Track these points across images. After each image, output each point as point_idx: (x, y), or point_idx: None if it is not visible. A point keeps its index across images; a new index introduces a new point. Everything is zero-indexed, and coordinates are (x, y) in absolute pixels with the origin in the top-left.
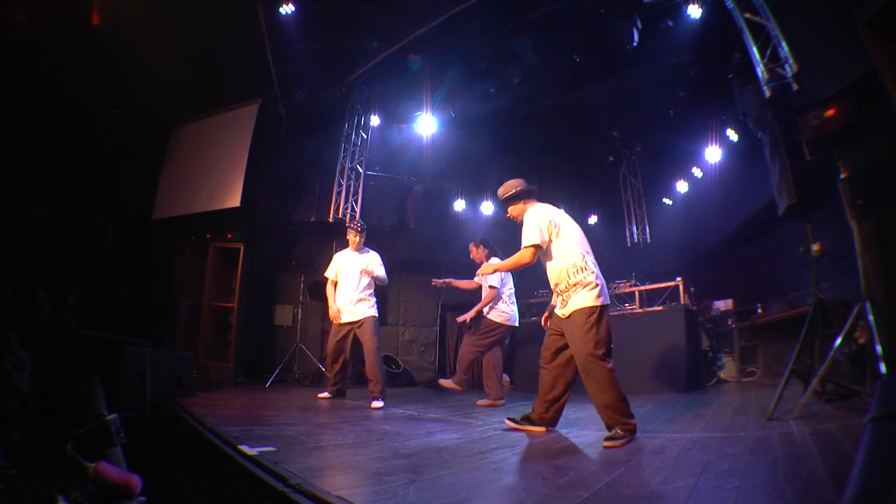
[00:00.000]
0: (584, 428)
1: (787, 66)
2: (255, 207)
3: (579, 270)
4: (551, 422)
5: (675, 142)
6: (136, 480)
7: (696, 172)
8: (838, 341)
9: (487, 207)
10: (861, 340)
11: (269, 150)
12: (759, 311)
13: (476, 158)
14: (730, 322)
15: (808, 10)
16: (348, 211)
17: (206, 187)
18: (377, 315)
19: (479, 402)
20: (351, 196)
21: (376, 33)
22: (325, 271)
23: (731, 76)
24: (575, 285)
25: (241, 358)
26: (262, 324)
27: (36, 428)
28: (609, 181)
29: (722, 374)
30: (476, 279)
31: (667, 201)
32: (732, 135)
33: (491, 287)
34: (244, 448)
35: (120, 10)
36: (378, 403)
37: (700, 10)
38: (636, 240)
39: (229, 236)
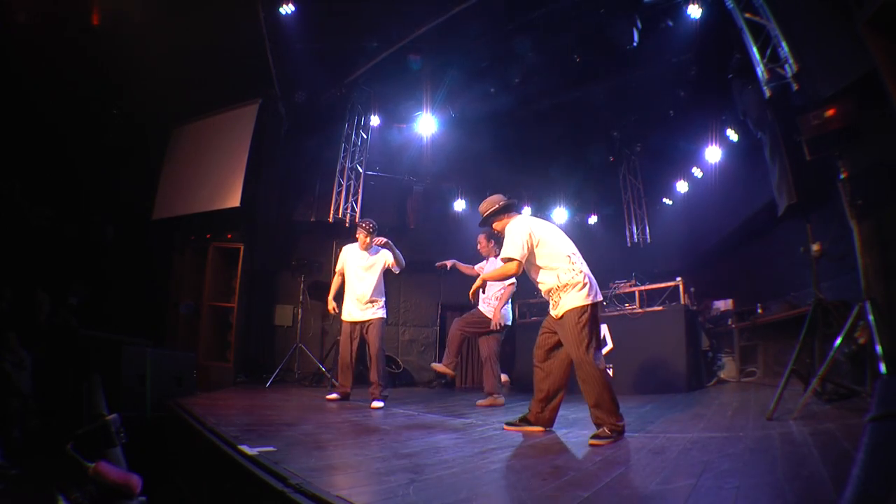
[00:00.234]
0: (583, 428)
1: (787, 66)
2: (255, 207)
3: (567, 272)
4: (548, 421)
5: (675, 142)
6: (136, 480)
7: (696, 172)
8: (838, 341)
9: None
10: (861, 340)
11: (269, 150)
12: (759, 311)
13: (476, 158)
14: (730, 322)
15: (808, 10)
16: (348, 211)
17: (206, 187)
18: (385, 317)
19: (479, 401)
20: (351, 196)
21: (376, 33)
22: (326, 270)
23: (731, 76)
24: (565, 286)
25: (241, 358)
26: (262, 324)
27: (36, 428)
28: (609, 181)
29: (722, 374)
30: (477, 267)
31: (667, 201)
32: (732, 135)
33: (511, 284)
34: (244, 448)
35: (120, 10)
36: (378, 403)
37: (700, 10)
38: (636, 240)
39: (229, 236)
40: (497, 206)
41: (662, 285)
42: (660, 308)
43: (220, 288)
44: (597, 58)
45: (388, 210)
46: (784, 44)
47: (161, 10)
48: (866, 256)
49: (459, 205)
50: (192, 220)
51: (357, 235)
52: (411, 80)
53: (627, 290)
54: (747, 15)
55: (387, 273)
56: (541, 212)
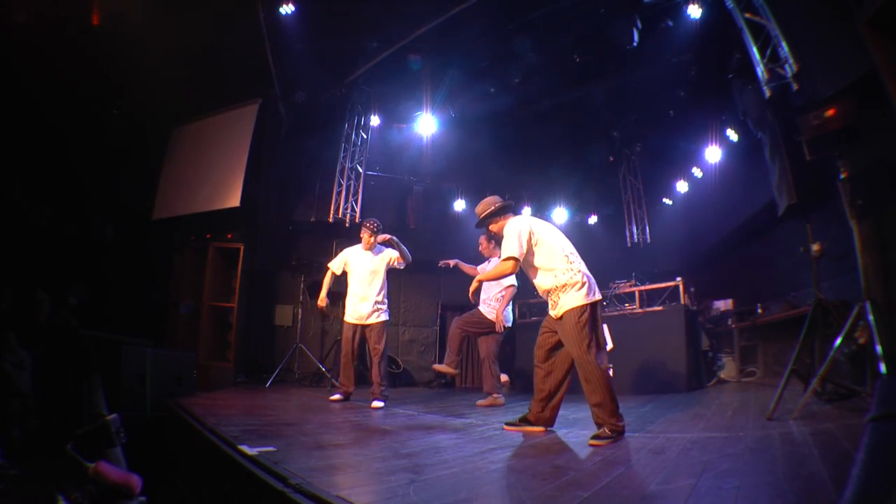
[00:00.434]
0: (583, 428)
1: (787, 66)
2: (255, 207)
3: (565, 272)
4: (549, 421)
5: (675, 142)
6: (136, 480)
7: (696, 172)
8: (838, 341)
9: None
10: (861, 340)
11: (269, 150)
12: (759, 311)
13: (476, 158)
14: (730, 322)
15: (808, 10)
16: (348, 211)
17: (206, 187)
18: (388, 319)
19: (479, 401)
20: (351, 196)
21: (376, 33)
22: (325, 271)
23: (731, 76)
24: (564, 286)
25: (241, 358)
26: (262, 324)
27: (36, 428)
28: (609, 181)
29: (722, 374)
30: (480, 268)
31: (667, 201)
32: (732, 135)
33: (511, 285)
34: (244, 448)
35: (120, 10)
36: (378, 403)
37: (700, 10)
38: (636, 240)
39: (229, 236)
40: (493, 207)
41: (662, 285)
42: (660, 308)
43: (220, 288)
44: (597, 58)
45: (388, 210)
46: (784, 44)
47: (161, 10)
48: (866, 256)
49: (459, 205)
50: (192, 220)
51: (361, 235)
52: (411, 80)
53: (627, 290)
54: (747, 15)
55: (388, 272)
56: (541, 212)
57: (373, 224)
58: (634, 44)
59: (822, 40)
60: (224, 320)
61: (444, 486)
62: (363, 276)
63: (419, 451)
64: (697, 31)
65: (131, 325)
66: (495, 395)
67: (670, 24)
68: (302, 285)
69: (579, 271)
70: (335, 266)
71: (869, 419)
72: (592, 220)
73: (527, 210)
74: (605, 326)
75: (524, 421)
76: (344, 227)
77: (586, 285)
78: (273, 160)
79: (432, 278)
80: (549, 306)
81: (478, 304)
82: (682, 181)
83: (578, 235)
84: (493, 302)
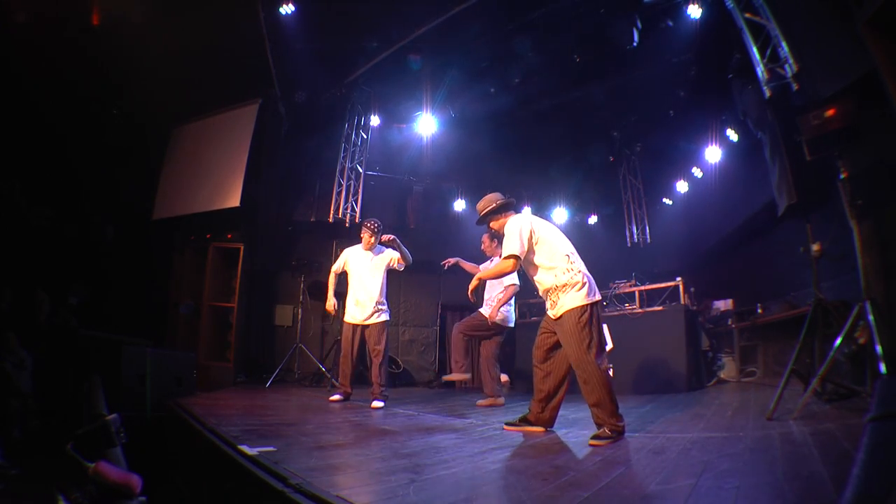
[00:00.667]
0: (583, 428)
1: (787, 66)
2: (255, 207)
3: (565, 272)
4: (548, 421)
5: (675, 142)
6: (136, 480)
7: (696, 172)
8: (838, 341)
9: None
10: (861, 340)
11: (269, 150)
12: (759, 311)
13: (476, 158)
14: (730, 322)
15: (808, 10)
16: (348, 211)
17: (206, 187)
18: (388, 319)
19: (479, 401)
20: (351, 196)
21: (376, 33)
22: (326, 270)
23: (731, 76)
24: (564, 286)
25: (241, 358)
26: (262, 324)
27: (36, 428)
28: (609, 181)
29: (722, 374)
30: (482, 267)
31: (667, 201)
32: (732, 135)
33: (512, 284)
34: (244, 448)
35: (120, 10)
36: (378, 403)
37: (700, 10)
38: (636, 240)
39: (229, 236)
40: (494, 205)
41: (662, 285)
42: (660, 308)
43: (220, 288)
44: (597, 58)
45: (388, 210)
46: (784, 44)
47: (161, 10)
48: (866, 256)
49: (459, 205)
50: (192, 220)
51: (361, 235)
52: (411, 80)
53: (627, 290)
54: (747, 15)
55: (388, 273)
56: (541, 212)
57: (373, 224)
58: (634, 44)
59: (822, 40)
60: (224, 320)
61: (444, 486)
62: (363, 276)
63: (419, 451)
64: (697, 31)
65: (131, 325)
66: (495, 396)
67: (670, 24)
68: (302, 285)
69: (579, 271)
70: (336, 266)
71: (869, 419)
72: (592, 220)
73: (527, 210)
74: (605, 326)
75: (524, 421)
76: (344, 227)
77: (586, 285)
78: (273, 160)
79: (432, 278)
80: (548, 306)
81: (479, 305)
82: (682, 181)
83: (578, 235)
84: (495, 302)
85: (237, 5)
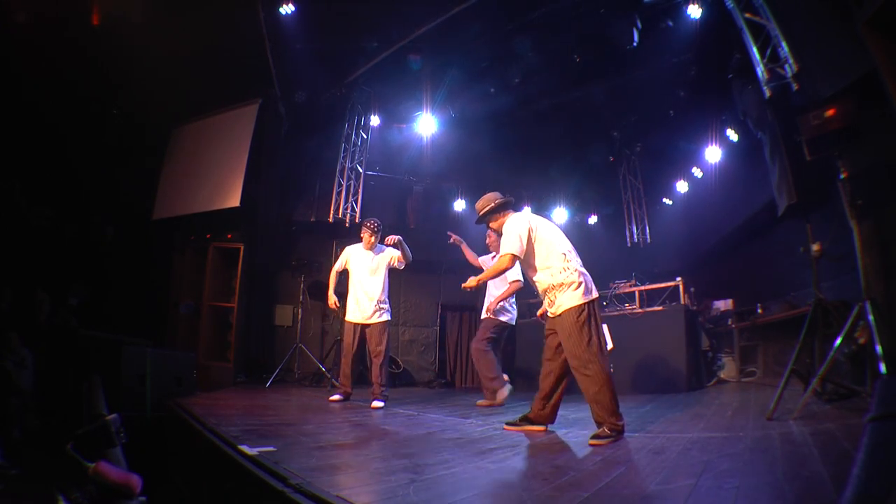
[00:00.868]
0: (583, 428)
1: (787, 66)
2: (255, 207)
3: (562, 271)
4: (549, 419)
5: (675, 142)
6: (136, 480)
7: (696, 172)
8: (838, 341)
9: None
10: (861, 340)
11: (269, 150)
12: (759, 311)
13: (476, 158)
14: (730, 322)
15: (808, 10)
16: (348, 211)
17: (206, 187)
18: (389, 319)
19: (479, 401)
20: (351, 196)
21: (376, 33)
22: (326, 270)
23: (731, 76)
24: (560, 285)
25: (241, 358)
26: (262, 324)
27: (36, 426)
28: (609, 181)
29: (722, 374)
30: (481, 259)
31: (667, 201)
32: (732, 135)
33: (516, 280)
34: (244, 448)
35: (120, 10)
36: (378, 403)
37: (700, 10)
38: (636, 240)
39: (229, 236)
40: (492, 204)
41: (662, 285)
42: (660, 308)
43: (220, 288)
44: (597, 58)
45: (388, 210)
46: (784, 44)
47: (161, 10)
48: (866, 256)
49: (459, 205)
50: (192, 220)
51: (361, 235)
52: (411, 80)
53: (627, 290)
54: (747, 15)
55: (389, 272)
56: (541, 212)
57: (373, 224)
58: (634, 44)
59: (822, 40)
60: (224, 320)
61: (444, 486)
62: (364, 275)
63: (419, 451)
64: (697, 31)
65: (131, 325)
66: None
67: (670, 24)
68: (302, 285)
69: (576, 270)
70: (337, 265)
71: (869, 419)
72: (592, 220)
73: (526, 209)
74: (605, 326)
75: (525, 420)
76: (344, 227)
77: (583, 285)
78: (273, 160)
79: (432, 278)
80: (546, 305)
81: (483, 309)
82: (682, 181)
83: (578, 235)
84: (505, 303)
85: (237, 5)
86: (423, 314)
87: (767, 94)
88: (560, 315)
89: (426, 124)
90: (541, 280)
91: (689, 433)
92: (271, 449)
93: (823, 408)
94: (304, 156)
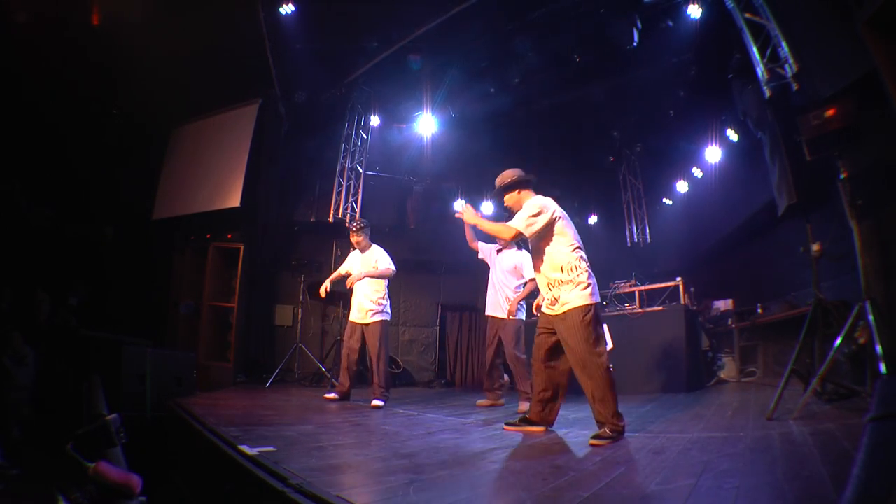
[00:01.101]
0: (583, 428)
1: (787, 66)
2: (255, 207)
3: (574, 268)
4: (549, 421)
5: (675, 142)
6: (136, 480)
7: (696, 172)
8: (838, 341)
9: (487, 207)
10: (861, 340)
11: (269, 150)
12: (759, 311)
13: (476, 158)
14: (730, 322)
15: (808, 10)
16: (348, 211)
17: (206, 187)
18: (387, 319)
19: (479, 402)
20: (351, 196)
21: (376, 33)
22: (326, 271)
23: (731, 76)
24: (569, 282)
25: (241, 358)
26: (262, 324)
27: (32, 419)
28: (609, 181)
29: (722, 374)
30: (487, 247)
31: (667, 201)
32: (732, 135)
33: (533, 279)
34: (244, 448)
35: (120, 10)
36: (377, 402)
37: (700, 10)
38: (636, 240)
39: (229, 236)
40: (511, 179)
41: (662, 285)
42: (660, 308)
43: (220, 288)
44: (596, 58)
45: (388, 210)
46: (784, 44)
47: (161, 11)
48: (866, 256)
49: (459, 205)
50: (192, 220)
51: (350, 239)
52: (411, 80)
53: (627, 290)
54: (747, 15)
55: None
56: None
57: (354, 223)
58: (634, 44)
59: (822, 40)
60: (224, 320)
61: (444, 486)
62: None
63: (419, 451)
64: (697, 31)
65: (131, 325)
66: (496, 396)
67: (670, 24)
68: (302, 285)
69: (586, 271)
70: (342, 269)
71: (869, 419)
72: (592, 220)
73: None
74: (605, 326)
75: (524, 421)
76: (344, 228)
77: (591, 286)
78: (273, 160)
79: (432, 278)
80: (547, 302)
81: (492, 308)
82: (682, 181)
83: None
84: (513, 294)
85: (237, 5)
86: (423, 314)
87: (767, 94)
88: (564, 314)
89: (426, 124)
90: (548, 272)
91: (689, 433)
92: (271, 449)
93: (823, 408)
94: (304, 156)
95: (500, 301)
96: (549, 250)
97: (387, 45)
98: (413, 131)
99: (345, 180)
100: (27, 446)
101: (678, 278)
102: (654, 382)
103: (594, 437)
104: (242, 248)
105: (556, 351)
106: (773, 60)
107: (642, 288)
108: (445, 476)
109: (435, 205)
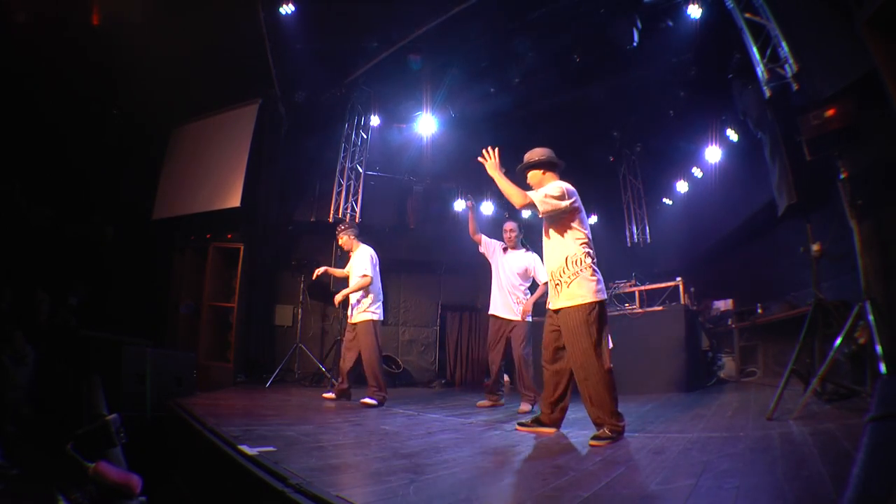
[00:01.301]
0: (583, 428)
1: (787, 66)
2: (255, 207)
3: (578, 262)
4: (558, 422)
5: (675, 142)
6: (136, 480)
7: (696, 172)
8: (838, 341)
9: (487, 207)
10: (861, 340)
11: (269, 150)
12: (759, 311)
13: (476, 158)
14: (730, 322)
15: (808, 10)
16: (348, 211)
17: (206, 187)
18: (375, 319)
19: (480, 402)
20: (351, 196)
21: (376, 33)
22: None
23: (731, 76)
24: (574, 273)
25: (241, 358)
26: (262, 324)
27: (30, 416)
28: (609, 181)
29: (722, 374)
30: (496, 244)
31: (667, 201)
32: (732, 135)
33: (546, 283)
34: (244, 448)
35: (120, 10)
36: (367, 400)
37: (700, 10)
38: (636, 240)
39: (229, 236)
40: (540, 158)
41: (662, 285)
42: (660, 308)
43: (220, 288)
44: (596, 58)
45: (388, 210)
46: (784, 44)
47: (161, 11)
48: (866, 256)
49: (459, 205)
50: (192, 220)
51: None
52: (411, 80)
53: (627, 290)
54: (747, 15)
55: (384, 273)
56: None
57: (339, 227)
58: (634, 44)
59: (822, 40)
60: (224, 320)
61: (444, 486)
62: (350, 276)
63: (419, 451)
64: (697, 31)
65: (131, 325)
66: (498, 396)
67: (670, 24)
68: (302, 285)
69: (590, 268)
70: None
71: (869, 419)
72: (592, 220)
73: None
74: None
75: (536, 422)
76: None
77: (598, 282)
78: (273, 160)
79: (432, 278)
80: (552, 295)
81: (504, 310)
82: (682, 181)
83: None
84: (523, 297)
85: (237, 5)
86: (423, 314)
87: (767, 94)
88: (566, 310)
89: (426, 124)
90: (555, 261)
91: (689, 433)
92: (271, 449)
93: (823, 408)
94: (304, 156)
95: (510, 302)
96: (559, 240)
97: (387, 45)
98: (413, 131)
99: (345, 180)
100: (24, 441)
101: (678, 278)
102: (653, 382)
103: (594, 438)
104: (242, 248)
105: (562, 351)
106: (773, 60)
107: (642, 288)
108: (445, 476)
109: (435, 205)
